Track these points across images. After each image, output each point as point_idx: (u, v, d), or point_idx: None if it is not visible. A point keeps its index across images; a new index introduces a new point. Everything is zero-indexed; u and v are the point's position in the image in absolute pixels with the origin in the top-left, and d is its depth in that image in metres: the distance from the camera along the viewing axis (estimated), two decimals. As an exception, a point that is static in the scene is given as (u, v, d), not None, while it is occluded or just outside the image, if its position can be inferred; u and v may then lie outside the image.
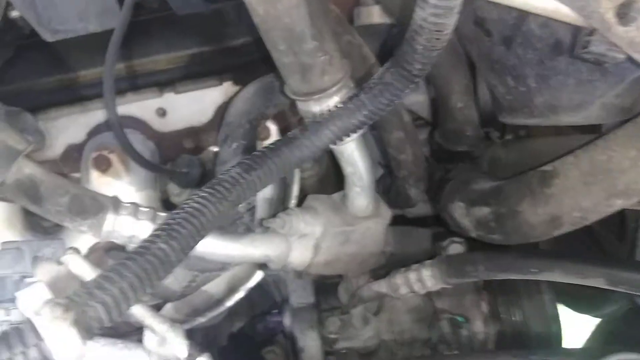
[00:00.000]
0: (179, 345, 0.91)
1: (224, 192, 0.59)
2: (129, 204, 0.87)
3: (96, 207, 0.84)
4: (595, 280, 0.88)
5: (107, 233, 0.85)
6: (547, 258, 0.91)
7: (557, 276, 0.91)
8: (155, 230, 0.56)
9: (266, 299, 1.40)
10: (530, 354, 1.03)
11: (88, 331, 0.48)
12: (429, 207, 1.30)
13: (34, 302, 0.52)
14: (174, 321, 1.03)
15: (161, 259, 0.53)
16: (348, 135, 0.70)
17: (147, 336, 0.91)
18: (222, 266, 1.04)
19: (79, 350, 0.48)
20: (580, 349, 1.15)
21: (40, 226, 1.19)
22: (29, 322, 0.50)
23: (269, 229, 1.00)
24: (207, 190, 0.60)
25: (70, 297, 0.49)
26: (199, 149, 1.19)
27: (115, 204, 0.86)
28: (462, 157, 1.14)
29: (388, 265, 1.14)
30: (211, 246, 0.93)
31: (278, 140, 0.70)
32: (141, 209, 0.87)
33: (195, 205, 0.58)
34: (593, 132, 0.91)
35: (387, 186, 1.23)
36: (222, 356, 1.32)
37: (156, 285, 0.53)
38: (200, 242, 0.91)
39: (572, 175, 0.83)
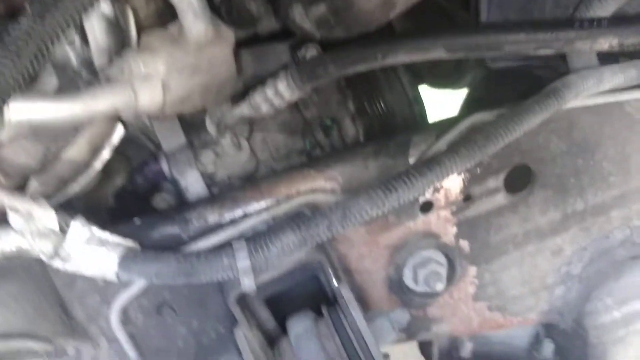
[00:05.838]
0: (46, 216, 0.89)
1: (15, 48, 0.53)
2: None
3: None
4: (436, 52, 0.91)
5: None
6: (388, 42, 0.92)
7: (402, 57, 0.93)
8: None
9: (141, 150, 1.36)
10: (387, 140, 1.09)
11: None
12: (278, 20, 1.26)
13: None
14: (43, 196, 1.01)
15: None
16: None
17: (12, 217, 0.88)
18: (73, 129, 0.99)
19: None
20: (441, 120, 1.23)
21: None
22: None
23: (109, 79, 0.94)
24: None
25: None
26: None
27: None
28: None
29: (252, 88, 1.13)
30: (49, 110, 0.86)
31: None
32: None
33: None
34: None
35: (228, 7, 1.16)
36: (111, 216, 1.31)
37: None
38: (34, 109, 0.86)
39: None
